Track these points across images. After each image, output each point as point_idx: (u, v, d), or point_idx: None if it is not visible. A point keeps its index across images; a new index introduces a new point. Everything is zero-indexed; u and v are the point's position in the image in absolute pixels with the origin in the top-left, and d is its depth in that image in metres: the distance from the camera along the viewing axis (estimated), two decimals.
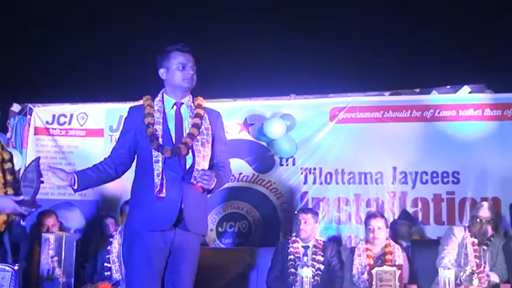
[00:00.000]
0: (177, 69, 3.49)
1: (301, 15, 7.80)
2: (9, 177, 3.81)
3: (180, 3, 7.70)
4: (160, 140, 3.43)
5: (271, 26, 7.56)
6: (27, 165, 3.59)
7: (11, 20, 7.77)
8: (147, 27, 7.53)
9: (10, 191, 3.74)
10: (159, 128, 3.47)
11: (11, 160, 3.89)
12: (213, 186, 3.42)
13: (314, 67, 7.31)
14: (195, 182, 3.36)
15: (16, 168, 6.63)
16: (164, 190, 3.37)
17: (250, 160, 6.39)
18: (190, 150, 3.44)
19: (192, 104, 3.57)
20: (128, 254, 3.50)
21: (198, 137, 3.47)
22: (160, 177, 3.38)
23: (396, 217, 5.97)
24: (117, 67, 7.51)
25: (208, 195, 3.59)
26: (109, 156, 3.60)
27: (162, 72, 3.55)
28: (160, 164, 3.40)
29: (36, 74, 7.85)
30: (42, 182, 3.46)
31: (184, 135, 3.47)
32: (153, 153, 3.42)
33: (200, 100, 3.60)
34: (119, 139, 3.66)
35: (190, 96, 3.60)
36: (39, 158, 3.58)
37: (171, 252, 3.43)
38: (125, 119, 3.64)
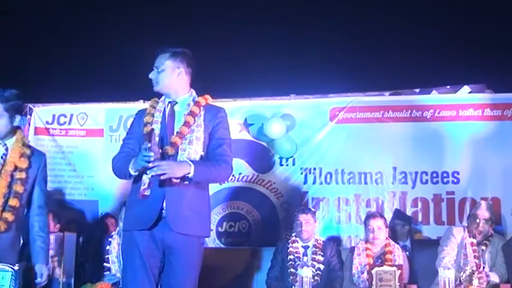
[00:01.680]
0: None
1: (301, 15, 7.80)
2: (18, 188, 3.60)
3: (181, 3, 7.71)
4: (156, 139, 3.42)
5: (271, 26, 7.56)
6: None
7: (10, 20, 7.77)
8: (148, 27, 7.53)
9: (13, 202, 3.56)
10: (156, 127, 3.46)
11: (27, 170, 3.64)
12: (170, 174, 3.28)
13: (314, 67, 7.32)
14: (154, 174, 3.28)
15: None
16: (149, 189, 3.35)
17: (250, 160, 6.38)
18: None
19: (191, 102, 3.54)
20: (122, 253, 3.56)
21: (187, 135, 3.43)
22: (149, 175, 3.35)
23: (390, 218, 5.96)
24: (117, 67, 7.51)
25: (186, 182, 3.40)
26: (122, 152, 3.55)
27: None
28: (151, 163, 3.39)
29: (36, 74, 7.85)
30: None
31: (174, 134, 3.46)
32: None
33: (201, 98, 3.56)
34: (126, 138, 3.63)
35: (192, 94, 3.58)
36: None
37: (164, 253, 3.40)
38: (133, 120, 3.66)
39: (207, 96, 3.59)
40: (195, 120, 3.47)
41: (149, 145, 3.29)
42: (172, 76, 3.50)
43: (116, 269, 4.97)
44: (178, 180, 3.34)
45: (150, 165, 3.25)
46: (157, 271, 3.41)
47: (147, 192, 3.35)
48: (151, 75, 3.52)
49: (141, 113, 3.59)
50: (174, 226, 3.35)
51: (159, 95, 3.60)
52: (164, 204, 3.36)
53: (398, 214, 5.89)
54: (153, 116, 3.50)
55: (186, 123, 3.46)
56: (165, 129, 3.47)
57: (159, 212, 3.36)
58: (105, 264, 5.03)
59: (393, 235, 5.61)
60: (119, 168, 3.48)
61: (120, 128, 6.55)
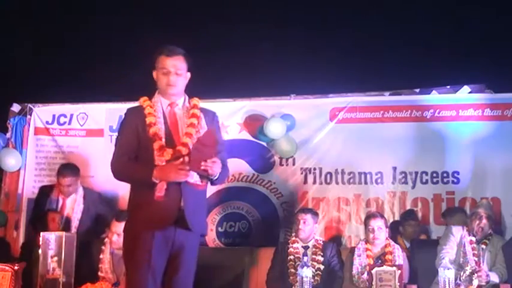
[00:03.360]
0: (161, 73, 3.48)
1: (301, 16, 7.80)
2: None
3: (180, 3, 7.71)
4: (163, 140, 3.42)
5: (271, 26, 7.56)
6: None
7: (11, 20, 7.77)
8: (147, 27, 7.54)
9: None
10: (161, 128, 3.45)
11: None
12: (217, 176, 3.41)
13: (314, 67, 7.32)
14: (201, 169, 3.31)
15: (16, 168, 6.68)
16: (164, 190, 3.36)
17: (250, 160, 6.38)
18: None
19: (187, 105, 3.56)
20: (128, 254, 3.46)
21: (195, 136, 3.46)
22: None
23: (398, 217, 5.95)
24: (117, 67, 7.51)
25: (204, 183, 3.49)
26: (123, 155, 3.47)
27: (154, 74, 3.55)
28: (163, 164, 3.38)
29: (36, 74, 7.85)
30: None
31: (181, 135, 3.47)
32: (156, 153, 3.40)
33: (196, 100, 3.59)
34: (122, 138, 3.53)
35: (185, 96, 3.59)
36: (210, 130, 3.50)
37: (171, 253, 3.42)
38: (125, 119, 3.57)
39: (197, 99, 3.61)
40: (198, 123, 3.50)
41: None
42: (186, 79, 3.55)
43: (109, 278, 4.89)
44: (204, 183, 3.42)
45: (209, 161, 3.28)
46: (163, 271, 3.41)
47: (163, 193, 3.34)
48: (173, 78, 3.47)
49: (135, 112, 3.53)
50: (192, 226, 3.41)
51: (149, 94, 3.56)
52: (182, 205, 3.39)
53: (411, 214, 5.86)
54: (155, 116, 3.47)
55: (192, 125, 3.48)
56: (169, 131, 3.46)
57: (178, 211, 3.39)
58: (99, 274, 4.94)
59: (403, 235, 5.65)
60: (133, 175, 3.43)
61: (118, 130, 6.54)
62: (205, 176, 3.40)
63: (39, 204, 5.94)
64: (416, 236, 5.70)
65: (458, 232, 4.96)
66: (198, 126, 3.49)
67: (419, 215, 5.98)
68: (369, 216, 5.22)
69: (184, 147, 3.42)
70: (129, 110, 3.60)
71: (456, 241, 4.93)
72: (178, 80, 3.49)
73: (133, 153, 3.48)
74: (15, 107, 6.87)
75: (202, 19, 7.82)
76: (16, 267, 3.48)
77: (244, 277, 5.53)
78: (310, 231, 5.25)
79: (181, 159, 3.36)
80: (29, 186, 6.68)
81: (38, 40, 7.87)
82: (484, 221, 4.91)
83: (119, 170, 3.48)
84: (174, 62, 3.48)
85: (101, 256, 4.98)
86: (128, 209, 3.57)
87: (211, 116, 3.61)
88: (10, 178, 6.73)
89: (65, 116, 6.80)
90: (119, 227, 4.77)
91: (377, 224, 5.08)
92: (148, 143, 3.43)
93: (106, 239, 5.09)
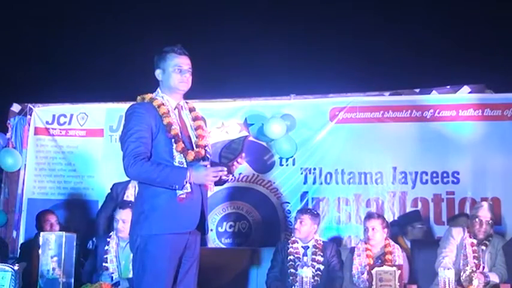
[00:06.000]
0: (174, 71, 3.43)
1: (300, 16, 7.80)
2: None
3: (180, 3, 7.71)
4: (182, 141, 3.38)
5: (271, 26, 7.56)
6: (234, 138, 3.62)
7: (11, 20, 7.77)
8: (147, 27, 7.54)
9: None
10: (178, 128, 3.40)
11: None
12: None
13: (314, 67, 7.32)
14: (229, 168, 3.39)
15: (16, 168, 6.69)
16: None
17: (250, 160, 6.37)
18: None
19: (187, 106, 3.57)
20: (143, 258, 3.31)
21: (206, 139, 3.50)
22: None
23: (401, 217, 5.95)
24: (117, 67, 7.51)
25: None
26: (146, 156, 3.31)
27: (158, 73, 3.48)
28: (184, 166, 3.33)
29: (36, 74, 7.85)
30: (242, 157, 3.44)
31: (192, 137, 3.45)
32: (175, 154, 3.34)
33: (191, 103, 3.61)
34: (139, 136, 3.32)
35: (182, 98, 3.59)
36: (248, 136, 3.61)
37: (181, 254, 3.38)
38: (136, 115, 3.36)
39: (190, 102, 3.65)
40: (203, 124, 3.53)
41: (207, 163, 3.36)
42: None
43: (114, 268, 4.94)
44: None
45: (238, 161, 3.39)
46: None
47: (184, 195, 3.32)
48: (188, 76, 3.46)
49: (146, 108, 3.38)
50: (207, 228, 3.46)
51: (150, 92, 3.53)
52: (203, 206, 3.41)
53: (417, 215, 5.86)
54: (171, 116, 3.41)
55: (201, 127, 3.50)
56: (182, 132, 3.42)
57: (201, 214, 3.40)
58: (104, 264, 5.00)
59: (408, 235, 5.65)
60: (163, 179, 3.27)
61: (120, 128, 6.54)
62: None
63: None
64: (422, 237, 5.69)
65: (458, 234, 4.95)
66: (205, 128, 3.52)
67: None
68: (366, 217, 5.25)
69: (202, 149, 3.41)
70: (137, 105, 3.44)
71: (456, 243, 4.91)
72: (190, 78, 3.48)
73: (150, 152, 3.33)
74: (15, 107, 6.88)
75: (202, 19, 7.82)
76: (16, 267, 3.47)
77: (245, 277, 5.54)
78: (307, 232, 5.21)
79: (208, 162, 3.36)
80: (29, 186, 6.68)
81: (38, 40, 7.86)
82: (485, 226, 4.90)
83: (143, 174, 3.29)
84: (186, 60, 3.47)
85: (106, 248, 4.99)
86: (141, 210, 3.37)
87: (204, 120, 3.61)
88: (10, 178, 6.74)
89: (65, 116, 6.81)
90: (123, 214, 4.86)
91: (371, 224, 5.09)
92: (164, 143, 3.35)
93: (112, 232, 5.09)
